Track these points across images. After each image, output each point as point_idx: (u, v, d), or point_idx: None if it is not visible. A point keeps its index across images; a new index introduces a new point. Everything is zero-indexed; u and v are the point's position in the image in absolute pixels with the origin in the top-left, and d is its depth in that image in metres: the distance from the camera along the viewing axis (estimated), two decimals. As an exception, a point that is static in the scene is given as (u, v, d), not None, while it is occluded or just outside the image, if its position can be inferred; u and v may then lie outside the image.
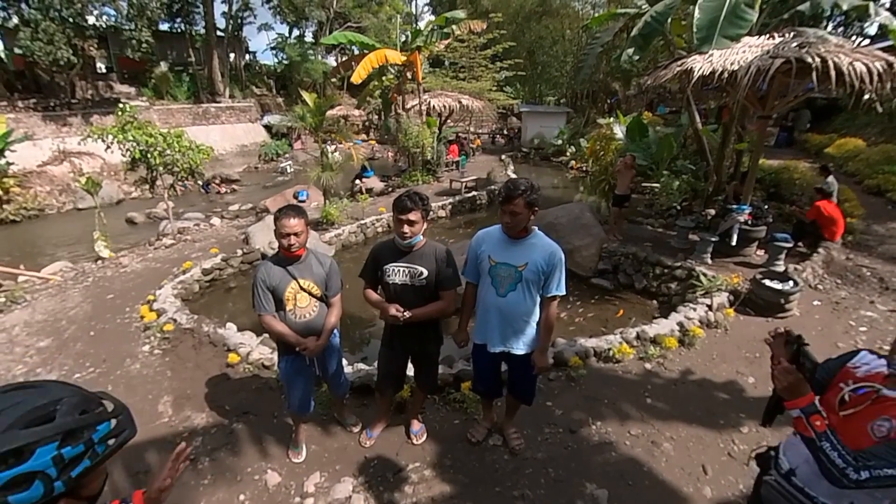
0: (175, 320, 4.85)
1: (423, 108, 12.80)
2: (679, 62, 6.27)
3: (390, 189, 11.93)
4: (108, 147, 7.48)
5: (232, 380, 3.96)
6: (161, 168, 7.77)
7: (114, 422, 0.84)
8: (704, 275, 5.55)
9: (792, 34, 5.84)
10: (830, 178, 7.71)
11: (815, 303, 5.26)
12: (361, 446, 3.08)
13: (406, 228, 2.34)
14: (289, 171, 18.35)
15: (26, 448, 0.70)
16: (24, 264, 7.15)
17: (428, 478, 2.84)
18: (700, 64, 5.88)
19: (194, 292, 6.33)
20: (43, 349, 4.63)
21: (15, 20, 16.81)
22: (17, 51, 17.19)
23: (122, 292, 5.95)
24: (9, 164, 12.65)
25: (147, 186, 8.33)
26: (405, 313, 2.37)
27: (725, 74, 5.67)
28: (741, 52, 5.78)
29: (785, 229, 6.75)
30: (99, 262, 7.12)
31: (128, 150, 7.49)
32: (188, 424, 3.43)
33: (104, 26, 19.88)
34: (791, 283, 5.02)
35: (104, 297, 5.82)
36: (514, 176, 13.85)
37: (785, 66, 5.23)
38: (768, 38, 6.01)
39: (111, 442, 0.82)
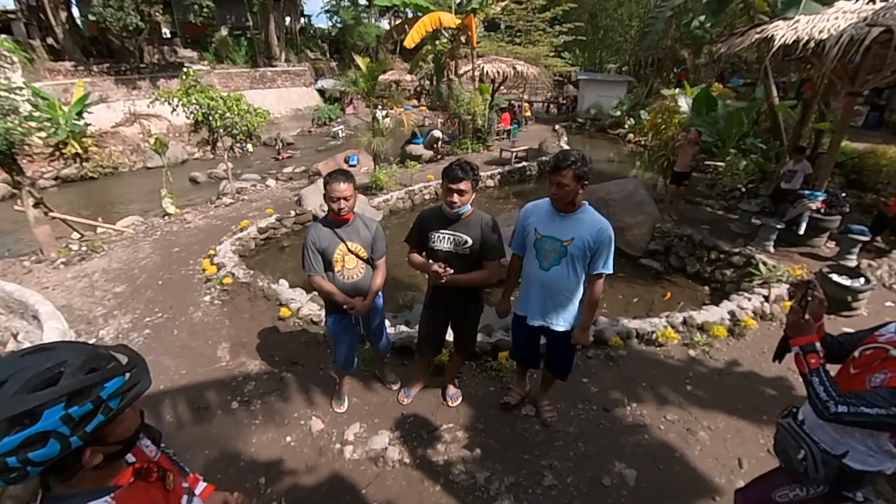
0: (233, 274, 5.19)
1: (477, 73, 12.48)
2: (758, 29, 5.73)
3: (439, 156, 11.90)
4: (174, 110, 7.90)
5: (283, 332, 4.23)
6: (221, 130, 8.14)
7: (127, 376, 0.87)
8: (764, 263, 5.23)
9: (896, -1, 5.16)
10: (802, 164, 6.54)
11: (888, 304, 4.83)
12: (399, 403, 3.25)
13: (455, 198, 2.36)
14: (341, 135, 18.64)
15: (35, 410, 0.75)
16: (101, 217, 7.84)
17: (460, 438, 2.96)
18: (783, 31, 5.35)
19: (250, 249, 6.72)
20: (119, 294, 5.12)
21: (88, -13, 17.76)
22: (90, 17, 18.22)
23: (187, 246, 6.41)
24: (87, 124, 13.58)
25: (209, 148, 8.79)
26: (447, 269, 2.40)
27: (812, 44, 5.13)
28: (832, 19, 5.19)
29: (863, 221, 6.18)
30: (166, 217, 7.67)
31: (191, 112, 7.87)
32: (243, 370, 3.73)
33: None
34: (862, 280, 4.63)
35: (171, 250, 6.30)
36: (566, 147, 13.39)
37: (884, 35, 4.64)
38: (867, 3, 5.34)
39: (127, 395, 0.86)
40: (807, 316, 1.55)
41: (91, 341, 4.25)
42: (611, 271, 2.37)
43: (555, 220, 2.37)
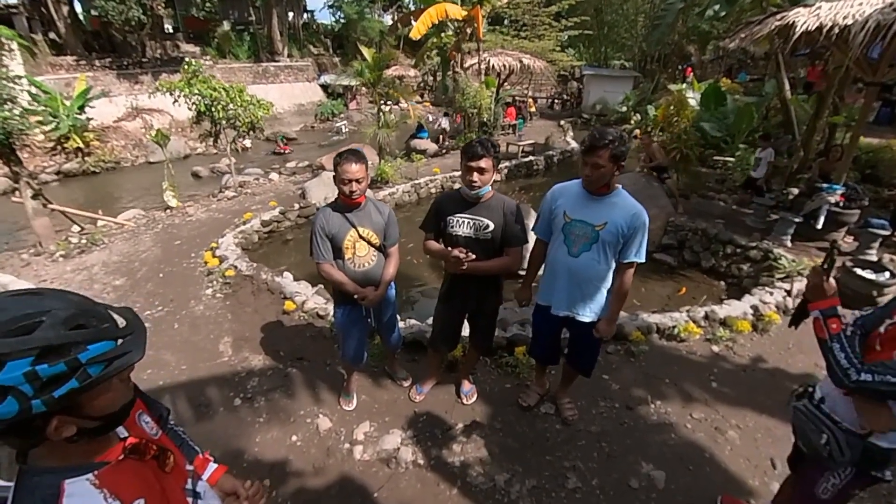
0: (236, 267, 5.04)
1: (482, 67, 12.30)
2: (778, 16, 5.54)
3: (444, 151, 11.73)
4: (176, 100, 7.73)
5: (287, 326, 4.08)
6: (224, 122, 7.98)
7: (118, 342, 0.75)
8: (785, 257, 5.06)
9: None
10: (767, 152, 7.16)
11: (913, 297, 4.66)
12: (411, 401, 3.09)
13: (475, 176, 2.19)
14: (343, 130, 18.50)
15: None
16: (102, 210, 7.69)
17: (476, 438, 2.80)
18: (804, 18, 5.16)
19: (254, 242, 6.58)
20: (118, 287, 4.97)
21: (90, -19, 17.64)
22: (93, 12, 18.10)
23: (188, 239, 6.26)
24: (89, 119, 13.52)
25: (211, 141, 8.62)
26: (469, 255, 2.23)
27: (835, 31, 4.95)
28: (856, 5, 5.00)
29: (881, 215, 6.01)
30: (167, 210, 7.52)
31: (193, 103, 7.71)
32: (246, 365, 3.57)
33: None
34: (887, 274, 4.47)
35: (172, 243, 6.15)
36: (573, 143, 13.20)
37: (911, 22, 4.46)
38: (892, -12, 5.16)
39: (112, 364, 0.74)
40: (830, 279, 1.48)
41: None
42: (643, 260, 2.19)
43: (586, 204, 2.19)
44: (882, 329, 1.47)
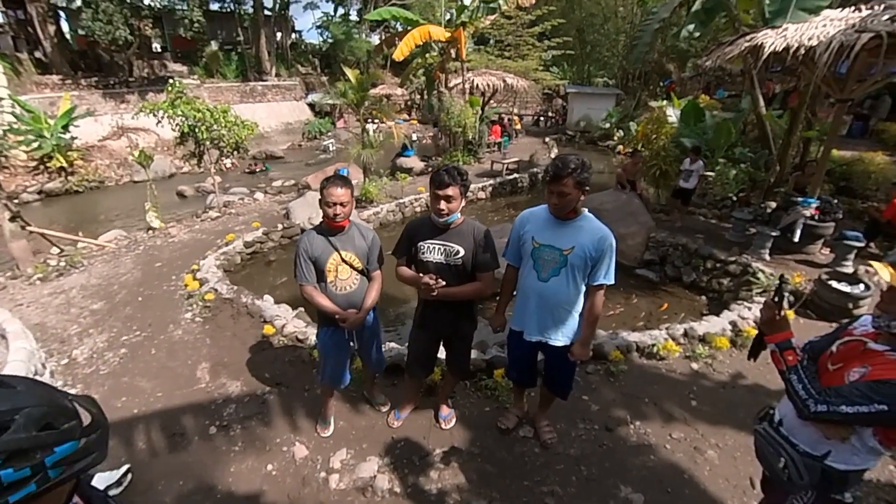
0: (216, 290, 4.98)
1: (467, 86, 12.49)
2: (747, 37, 5.73)
3: (430, 169, 11.83)
4: (160, 122, 7.73)
5: (266, 351, 4.02)
6: (208, 143, 7.97)
7: (81, 441, 0.70)
8: (762, 272, 5.14)
9: (883, 6, 5.18)
10: (697, 164, 7.26)
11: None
12: (389, 426, 3.05)
13: (443, 205, 2.21)
14: (331, 149, 18.57)
15: None
16: (83, 232, 7.59)
17: (454, 464, 2.77)
18: (772, 39, 5.35)
19: (236, 264, 6.51)
20: (96, 311, 4.88)
21: (78, 2, 17.68)
22: (80, 31, 18.16)
23: (170, 261, 6.18)
24: (73, 138, 13.42)
25: (195, 161, 8.60)
26: (439, 281, 2.24)
27: (801, 51, 5.13)
28: (821, 27, 5.21)
29: (856, 227, 6.15)
30: (150, 231, 7.43)
31: (177, 124, 7.70)
32: (223, 391, 3.51)
33: (159, 6, 20.74)
34: (862, 286, 4.56)
35: (153, 265, 6.07)
36: (558, 158, 13.38)
37: (873, 42, 4.64)
38: (853, 11, 5.37)
39: (73, 466, 0.69)
40: (782, 312, 1.53)
41: (63, 362, 4.02)
42: (612, 282, 2.22)
43: (553, 228, 2.22)
44: (833, 349, 1.54)
